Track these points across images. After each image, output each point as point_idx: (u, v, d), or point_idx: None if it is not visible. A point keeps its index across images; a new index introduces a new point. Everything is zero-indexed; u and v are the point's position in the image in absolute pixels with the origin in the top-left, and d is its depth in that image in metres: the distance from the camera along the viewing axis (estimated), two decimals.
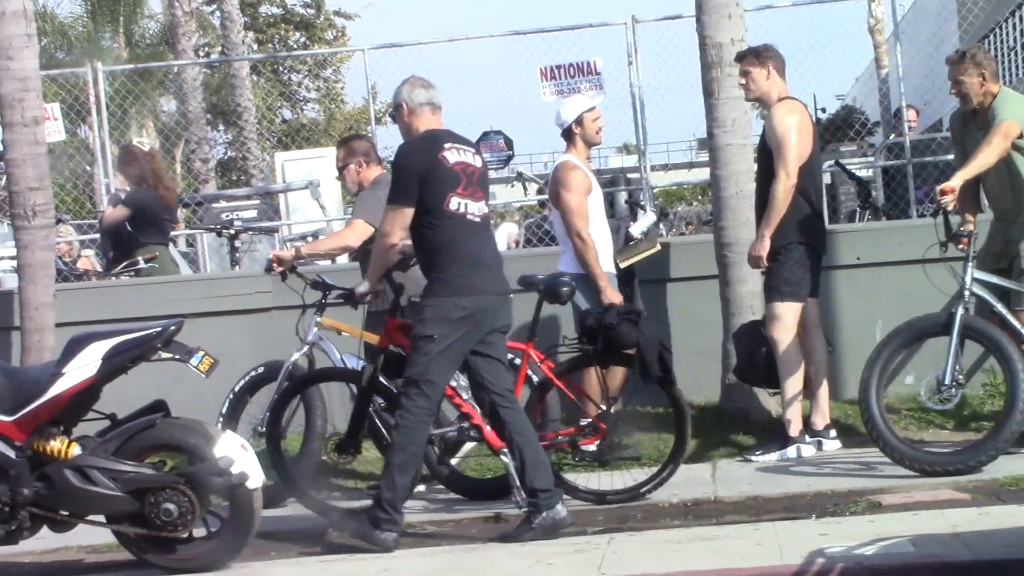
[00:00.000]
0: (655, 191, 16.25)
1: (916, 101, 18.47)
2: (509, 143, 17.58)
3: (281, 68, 49.12)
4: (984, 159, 9.34)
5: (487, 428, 8.68)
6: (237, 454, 7.82)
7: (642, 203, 14.20)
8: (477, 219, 8.38)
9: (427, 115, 8.52)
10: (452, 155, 8.33)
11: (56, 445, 7.87)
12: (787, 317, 9.65)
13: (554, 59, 15.63)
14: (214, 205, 17.31)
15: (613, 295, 9.83)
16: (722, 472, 9.60)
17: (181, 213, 16.63)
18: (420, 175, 8.21)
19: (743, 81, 9.93)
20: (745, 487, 9.06)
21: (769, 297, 9.87)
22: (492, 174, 23.26)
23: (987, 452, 8.90)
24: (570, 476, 9.27)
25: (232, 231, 15.33)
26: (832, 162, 16.04)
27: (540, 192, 17.74)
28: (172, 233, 14.11)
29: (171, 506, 7.75)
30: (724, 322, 10.74)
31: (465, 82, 15.94)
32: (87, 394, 7.99)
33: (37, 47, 11.47)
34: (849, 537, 7.23)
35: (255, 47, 48.16)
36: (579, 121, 10.18)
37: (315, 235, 17.64)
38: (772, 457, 9.76)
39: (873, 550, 6.98)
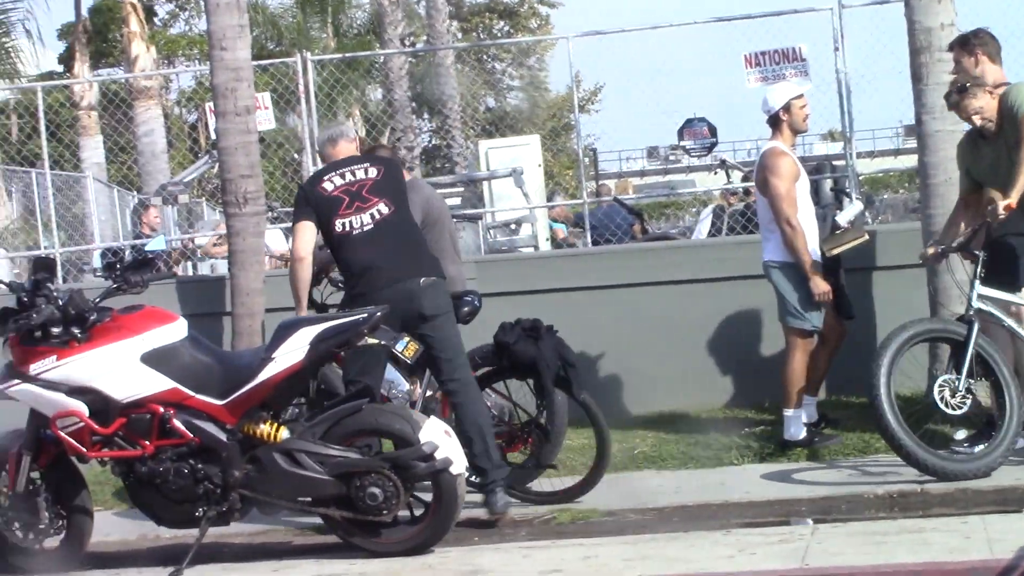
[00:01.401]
0: (860, 178, 16.00)
1: None
2: (713, 130, 17.45)
3: (485, 56, 49.43)
4: None
5: None
6: (441, 440, 7.89)
7: (847, 191, 13.99)
8: (369, 226, 8.93)
9: (329, 150, 9.40)
10: (330, 183, 9.02)
11: (265, 429, 8.03)
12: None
13: (758, 45, 15.45)
14: None
15: (820, 283, 9.74)
16: None
17: None
18: (309, 203, 8.99)
19: (954, 71, 9.71)
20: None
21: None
22: (695, 161, 23.13)
23: (992, 461, 8.88)
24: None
25: None
26: None
27: (745, 179, 17.62)
28: None
29: (376, 490, 7.85)
30: (931, 312, 10.55)
31: (668, 69, 15.83)
32: (295, 379, 8.13)
33: (249, 37, 11.70)
34: None
35: (459, 36, 48.53)
36: (787, 108, 10.08)
37: (518, 223, 17.76)
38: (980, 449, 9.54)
39: None
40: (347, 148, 9.36)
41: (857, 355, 10.82)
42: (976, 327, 9.01)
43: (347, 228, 8.90)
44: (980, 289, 9.14)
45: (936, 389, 9.05)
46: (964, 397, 8.97)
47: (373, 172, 9.06)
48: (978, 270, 9.18)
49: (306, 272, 9.09)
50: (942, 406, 9.03)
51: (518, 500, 9.17)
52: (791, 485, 9.12)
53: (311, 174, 9.39)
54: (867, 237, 10.72)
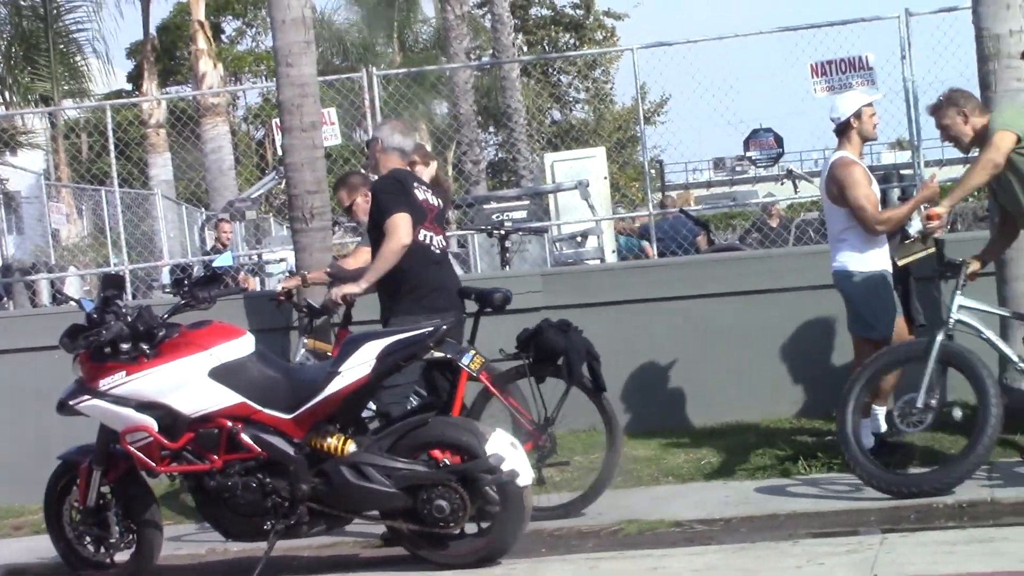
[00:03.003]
0: None
1: None
2: (779, 140, 17.44)
3: (551, 69, 49.50)
4: (972, 179, 9.19)
5: None
6: (507, 452, 7.88)
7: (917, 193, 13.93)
8: (438, 251, 9.24)
9: (395, 158, 9.32)
10: (420, 193, 9.20)
11: (333, 442, 8.05)
12: None
13: (824, 55, 15.44)
14: (485, 206, 17.54)
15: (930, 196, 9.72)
16: (1000, 473, 9.29)
17: (453, 214, 16.89)
18: (409, 198, 9.03)
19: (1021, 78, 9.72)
20: None
21: None
22: (761, 171, 23.11)
23: (954, 476, 8.89)
24: None
25: (503, 231, 15.51)
26: None
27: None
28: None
29: (443, 503, 7.85)
30: (1000, 320, 10.46)
31: (735, 79, 15.90)
32: (362, 393, 8.17)
33: (315, 54, 11.75)
34: None
35: (525, 49, 48.62)
36: (857, 115, 9.99)
37: (584, 235, 17.76)
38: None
39: None
40: (404, 165, 9.42)
41: None
42: (938, 342, 9.05)
43: (428, 241, 9.13)
44: (961, 300, 9.21)
45: (897, 412, 9.20)
46: (924, 412, 9.05)
47: (436, 202, 9.35)
48: (960, 280, 9.28)
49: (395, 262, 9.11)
50: (903, 427, 9.18)
51: None
52: (859, 495, 9.06)
53: (388, 173, 9.25)
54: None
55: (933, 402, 9.05)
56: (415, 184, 9.22)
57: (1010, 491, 8.75)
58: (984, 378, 8.90)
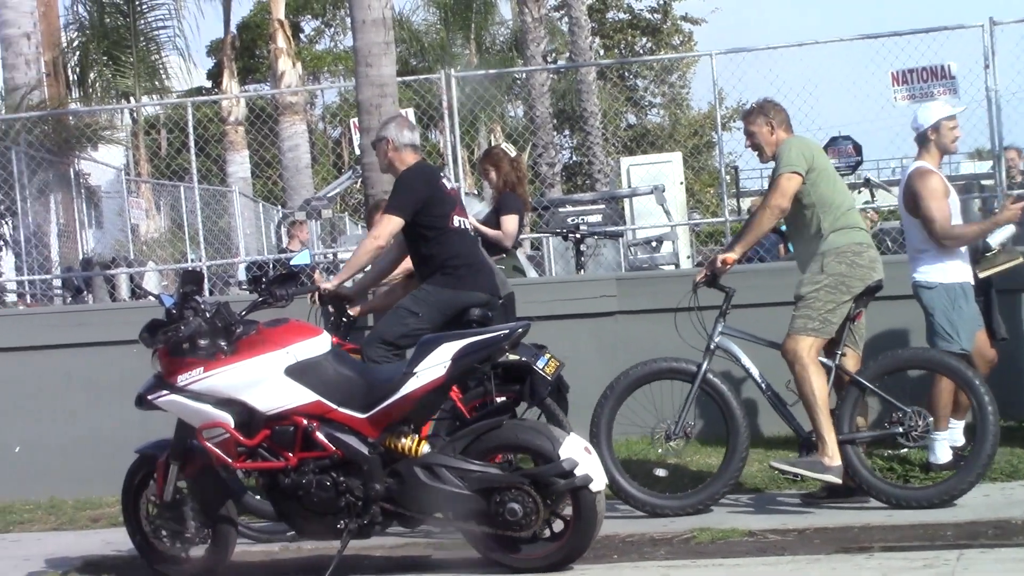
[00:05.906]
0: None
1: None
2: (858, 148, 17.30)
3: (627, 73, 49.42)
4: (761, 224, 9.54)
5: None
6: (581, 456, 7.86)
7: (996, 212, 13.79)
8: (472, 233, 9.79)
9: (409, 154, 9.53)
10: (447, 182, 9.57)
11: (407, 443, 8.05)
12: None
13: (906, 63, 15.34)
14: (560, 209, 17.53)
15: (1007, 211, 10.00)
16: None
17: (528, 217, 16.91)
18: (426, 198, 9.27)
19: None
20: None
21: None
22: None
23: (712, 498, 9.40)
24: None
25: (578, 235, 15.49)
26: None
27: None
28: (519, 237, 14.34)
29: (516, 506, 7.84)
30: None
31: (813, 86, 15.75)
32: (437, 394, 8.17)
33: (394, 54, 11.79)
34: None
35: (602, 52, 48.56)
36: (936, 127, 9.91)
37: (659, 240, 17.70)
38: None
39: None
40: (418, 158, 9.66)
41: (1006, 377, 10.67)
42: (704, 369, 9.44)
43: (463, 226, 9.54)
44: (723, 328, 9.56)
45: (655, 435, 9.58)
46: (681, 439, 9.51)
47: (455, 188, 9.76)
48: (724, 307, 9.63)
49: (373, 260, 9.47)
50: (660, 450, 9.65)
51: None
52: (935, 509, 8.97)
53: (415, 165, 9.48)
54: (1021, 259, 10.53)
55: (690, 429, 9.55)
56: (441, 174, 9.62)
57: None
58: (737, 413, 9.44)
